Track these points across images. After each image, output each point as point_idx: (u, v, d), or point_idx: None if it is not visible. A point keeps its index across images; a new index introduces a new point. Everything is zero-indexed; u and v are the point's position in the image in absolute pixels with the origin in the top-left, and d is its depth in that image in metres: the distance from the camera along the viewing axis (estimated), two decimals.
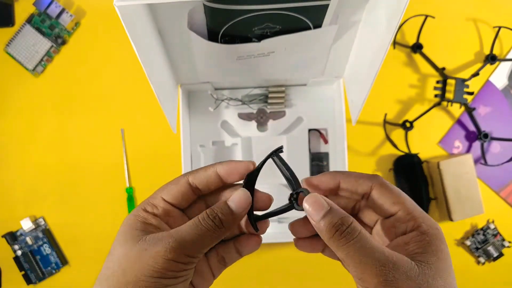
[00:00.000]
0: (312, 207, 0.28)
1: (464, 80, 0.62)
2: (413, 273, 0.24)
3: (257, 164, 0.31)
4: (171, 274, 0.26)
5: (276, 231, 0.62)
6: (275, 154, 0.31)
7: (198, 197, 0.32)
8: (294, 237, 0.33)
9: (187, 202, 0.31)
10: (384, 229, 0.29)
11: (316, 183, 0.31)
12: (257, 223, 0.31)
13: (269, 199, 0.32)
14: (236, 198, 0.29)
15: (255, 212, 0.31)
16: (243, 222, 0.33)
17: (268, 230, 0.60)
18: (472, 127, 0.65)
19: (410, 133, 0.65)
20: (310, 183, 0.31)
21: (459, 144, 0.66)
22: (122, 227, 0.29)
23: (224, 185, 0.32)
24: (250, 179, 0.31)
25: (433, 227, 0.27)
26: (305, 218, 0.31)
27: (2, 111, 0.67)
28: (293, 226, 0.32)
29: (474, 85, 0.64)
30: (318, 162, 0.62)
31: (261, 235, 0.33)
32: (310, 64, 0.52)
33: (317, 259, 0.64)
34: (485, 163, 0.64)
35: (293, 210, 0.31)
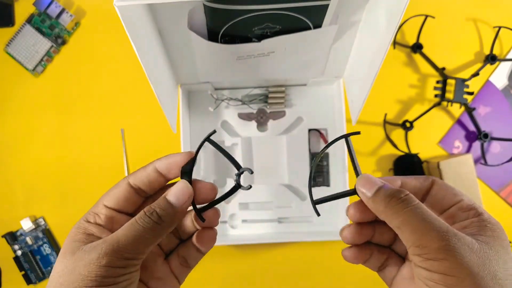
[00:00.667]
0: (364, 186, 0.27)
1: (464, 80, 0.62)
2: (474, 247, 0.23)
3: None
4: (108, 280, 0.25)
5: (276, 231, 0.62)
6: (208, 139, 0.32)
7: (146, 199, 0.31)
8: (342, 251, 0.31)
9: (133, 206, 0.30)
10: (443, 219, 0.27)
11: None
12: (203, 214, 0.30)
13: (212, 189, 0.30)
14: (174, 190, 0.28)
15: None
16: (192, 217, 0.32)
17: (268, 230, 0.60)
18: (472, 127, 0.65)
19: (410, 133, 0.65)
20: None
21: (459, 144, 0.66)
22: (65, 241, 0.28)
23: (169, 183, 0.31)
24: (186, 170, 0.30)
25: (494, 221, 0.26)
26: (357, 225, 0.30)
27: (2, 111, 0.67)
28: (345, 233, 0.30)
29: (474, 85, 0.64)
30: (318, 162, 0.62)
31: (216, 228, 0.32)
32: (310, 64, 0.52)
33: (317, 259, 0.64)
34: (485, 163, 0.64)
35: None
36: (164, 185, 0.31)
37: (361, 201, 0.29)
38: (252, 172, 0.30)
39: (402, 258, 0.30)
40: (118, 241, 0.25)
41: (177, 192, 0.28)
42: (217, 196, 0.31)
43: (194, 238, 0.31)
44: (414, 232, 0.24)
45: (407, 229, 0.24)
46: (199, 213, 0.30)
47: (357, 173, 0.29)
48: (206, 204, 0.31)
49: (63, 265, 0.25)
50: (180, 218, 0.29)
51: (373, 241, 0.31)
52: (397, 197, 0.25)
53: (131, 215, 0.29)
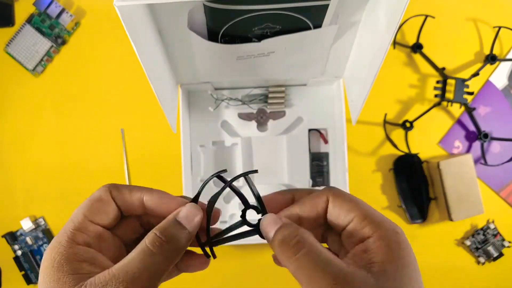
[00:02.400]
0: (266, 228, 0.26)
1: (464, 80, 0.62)
2: (367, 286, 0.21)
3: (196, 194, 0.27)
4: None
5: None
6: (247, 174, 0.29)
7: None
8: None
9: (115, 221, 0.26)
10: (344, 241, 0.26)
11: (269, 199, 0.28)
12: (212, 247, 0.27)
13: (217, 214, 0.28)
14: (186, 212, 0.25)
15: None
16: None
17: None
18: (472, 127, 0.65)
19: (410, 133, 0.65)
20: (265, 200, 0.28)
21: (459, 144, 0.66)
22: (45, 271, 0.22)
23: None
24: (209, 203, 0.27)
25: (392, 230, 0.24)
26: None
27: (2, 111, 0.67)
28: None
29: (474, 85, 0.64)
30: (318, 162, 0.62)
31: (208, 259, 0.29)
32: (310, 64, 0.52)
33: None
34: (485, 163, 0.64)
35: None
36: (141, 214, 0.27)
37: None
38: (254, 171, 0.28)
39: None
40: (134, 278, 0.21)
41: (189, 214, 0.25)
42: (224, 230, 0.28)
43: (182, 259, 0.27)
44: (306, 281, 0.22)
45: (301, 277, 0.23)
46: (211, 249, 0.28)
47: (260, 211, 0.28)
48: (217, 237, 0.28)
49: None
50: (189, 244, 0.25)
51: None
52: (287, 243, 0.24)
53: (109, 230, 0.26)
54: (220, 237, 0.28)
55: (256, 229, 0.27)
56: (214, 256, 0.27)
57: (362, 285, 0.21)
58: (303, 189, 0.28)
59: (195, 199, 0.27)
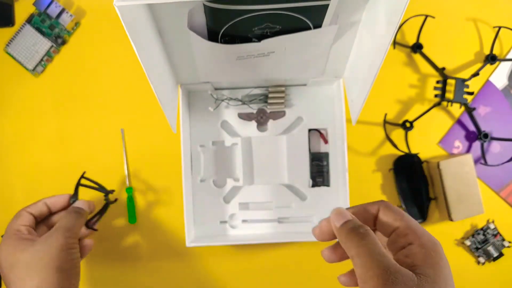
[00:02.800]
0: (336, 216, 0.31)
1: (464, 80, 0.62)
2: (411, 283, 0.25)
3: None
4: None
5: (276, 231, 0.62)
6: (80, 179, 0.55)
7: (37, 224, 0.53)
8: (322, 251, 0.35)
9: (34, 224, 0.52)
10: (388, 246, 0.30)
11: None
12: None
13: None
14: (80, 203, 0.54)
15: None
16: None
17: (268, 230, 0.61)
18: (472, 127, 0.65)
19: (410, 133, 0.65)
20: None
21: (459, 144, 0.66)
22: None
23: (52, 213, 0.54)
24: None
25: (432, 241, 0.28)
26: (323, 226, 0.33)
27: (2, 111, 0.67)
28: (324, 252, 0.34)
29: (474, 85, 0.64)
30: (318, 162, 0.62)
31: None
32: (310, 64, 0.52)
33: (318, 259, 0.64)
34: (485, 163, 0.64)
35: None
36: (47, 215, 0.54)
37: (334, 246, 0.34)
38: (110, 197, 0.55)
39: None
40: (67, 227, 0.48)
41: (83, 203, 0.54)
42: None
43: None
44: (362, 266, 0.27)
45: (357, 262, 0.27)
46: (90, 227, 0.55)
47: (105, 193, 0.57)
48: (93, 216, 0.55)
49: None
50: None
51: None
52: (356, 231, 0.29)
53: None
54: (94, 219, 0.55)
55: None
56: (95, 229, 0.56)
57: (407, 280, 0.25)
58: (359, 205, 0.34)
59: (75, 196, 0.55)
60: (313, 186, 0.62)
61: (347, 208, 0.33)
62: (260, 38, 0.43)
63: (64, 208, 0.55)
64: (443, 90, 0.63)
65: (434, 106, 0.64)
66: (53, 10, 0.65)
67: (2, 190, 0.67)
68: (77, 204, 0.53)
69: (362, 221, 0.31)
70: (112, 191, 0.58)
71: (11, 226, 0.48)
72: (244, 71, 0.52)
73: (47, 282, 0.43)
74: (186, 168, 0.60)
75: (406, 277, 0.26)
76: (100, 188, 0.57)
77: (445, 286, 0.26)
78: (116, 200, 0.58)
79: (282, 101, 0.61)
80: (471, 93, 0.62)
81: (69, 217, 0.50)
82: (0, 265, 0.45)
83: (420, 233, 0.29)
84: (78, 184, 0.55)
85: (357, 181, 0.62)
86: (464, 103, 0.63)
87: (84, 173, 0.55)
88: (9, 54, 0.66)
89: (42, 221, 0.54)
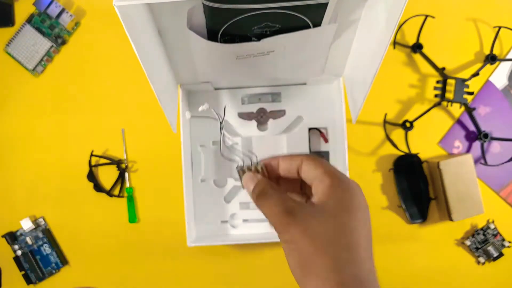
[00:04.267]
0: (246, 184, 0.34)
1: (464, 80, 0.62)
2: (307, 210, 0.29)
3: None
4: None
5: None
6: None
7: None
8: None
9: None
10: (312, 191, 0.32)
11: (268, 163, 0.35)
12: None
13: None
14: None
15: None
16: None
17: (269, 229, 0.61)
18: (472, 127, 0.65)
19: (410, 133, 0.65)
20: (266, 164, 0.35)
21: (459, 144, 0.66)
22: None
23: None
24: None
25: (344, 181, 0.31)
26: None
27: (2, 111, 0.67)
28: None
29: (474, 85, 0.64)
30: None
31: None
32: (310, 63, 0.52)
33: None
34: (485, 163, 0.64)
35: None
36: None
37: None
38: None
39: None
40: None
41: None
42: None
43: None
44: (269, 215, 0.31)
45: (266, 212, 0.31)
46: None
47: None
48: None
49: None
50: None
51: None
52: (258, 192, 0.32)
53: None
54: None
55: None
56: None
57: (303, 210, 0.29)
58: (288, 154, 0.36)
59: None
60: None
61: (274, 157, 0.35)
62: (259, 37, 0.43)
63: None
64: (443, 90, 0.63)
65: (434, 106, 0.64)
66: (53, 10, 0.65)
67: (2, 190, 0.67)
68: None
69: (287, 172, 0.34)
70: (121, 160, 0.64)
71: None
72: (243, 71, 0.52)
73: None
74: (187, 168, 0.60)
75: (303, 208, 0.29)
76: (111, 161, 0.63)
77: (348, 221, 0.28)
78: (127, 166, 0.64)
79: (282, 100, 0.61)
80: (471, 93, 0.62)
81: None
82: None
83: (336, 176, 0.31)
84: (91, 166, 0.62)
85: (357, 181, 0.61)
86: (464, 103, 0.63)
87: (92, 152, 0.61)
88: (9, 54, 0.66)
89: None
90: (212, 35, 0.42)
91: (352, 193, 0.30)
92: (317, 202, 0.30)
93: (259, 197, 0.32)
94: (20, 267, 0.65)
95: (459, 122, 0.66)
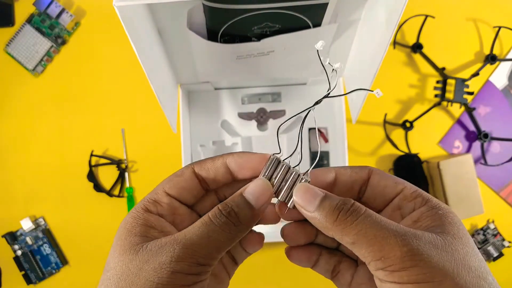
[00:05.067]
0: (303, 198, 0.24)
1: (464, 80, 0.62)
2: (439, 243, 0.21)
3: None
4: None
5: (277, 230, 0.62)
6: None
7: (208, 191, 0.27)
8: (286, 246, 0.29)
9: (195, 197, 0.26)
10: (389, 213, 0.25)
11: (314, 176, 0.26)
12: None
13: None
14: (252, 188, 0.24)
15: None
16: None
17: (269, 229, 0.61)
18: (472, 127, 0.65)
19: (410, 133, 0.65)
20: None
21: (459, 144, 0.66)
22: (118, 232, 0.24)
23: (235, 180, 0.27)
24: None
25: (442, 203, 0.24)
26: (298, 222, 0.27)
27: (2, 111, 0.67)
28: (286, 231, 0.28)
29: (474, 85, 0.64)
30: (319, 161, 0.62)
31: (263, 234, 0.30)
32: (310, 63, 0.52)
33: None
34: (485, 163, 0.64)
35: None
36: (229, 182, 0.27)
37: (296, 223, 0.27)
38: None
39: (355, 261, 0.28)
40: (192, 243, 0.22)
41: (256, 190, 0.24)
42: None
43: (243, 239, 0.28)
44: (372, 245, 0.21)
45: (362, 243, 0.21)
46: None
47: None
48: None
49: (124, 265, 0.22)
50: (256, 221, 0.25)
51: (319, 242, 0.28)
52: (344, 209, 0.22)
53: (190, 207, 0.27)
54: None
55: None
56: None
57: (431, 240, 0.21)
58: (345, 166, 0.28)
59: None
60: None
61: (325, 168, 0.26)
62: (259, 37, 0.43)
63: None
64: (443, 90, 0.63)
65: (434, 106, 0.64)
66: (53, 10, 0.65)
67: (2, 190, 0.67)
68: (249, 192, 0.25)
69: (347, 189, 0.26)
70: (121, 160, 0.63)
71: (141, 201, 0.28)
72: (243, 71, 0.52)
73: None
74: None
75: (429, 237, 0.21)
76: (111, 161, 0.62)
77: (468, 241, 0.22)
78: (127, 166, 0.63)
79: (282, 100, 0.61)
80: (471, 93, 0.62)
81: (204, 226, 0.24)
82: None
83: (428, 196, 0.24)
84: (91, 166, 0.61)
85: None
86: (464, 103, 0.63)
87: (92, 152, 0.59)
88: (9, 54, 0.66)
89: None
90: (212, 35, 0.42)
91: (456, 216, 0.23)
92: (423, 229, 0.22)
93: (342, 215, 0.22)
94: (20, 267, 0.65)
95: (459, 122, 0.66)
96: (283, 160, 0.26)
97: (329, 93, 0.26)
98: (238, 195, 0.25)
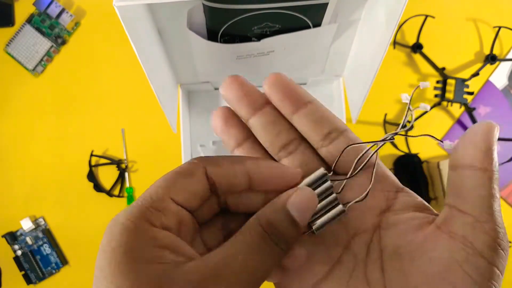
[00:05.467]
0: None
1: (464, 80, 0.62)
2: None
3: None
4: None
5: None
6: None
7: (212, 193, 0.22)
8: None
9: (200, 203, 0.21)
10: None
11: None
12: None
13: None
14: (300, 201, 0.19)
15: None
16: None
17: None
18: None
19: (410, 133, 0.65)
20: None
21: None
22: (108, 257, 0.17)
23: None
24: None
25: None
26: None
27: (2, 111, 0.67)
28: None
29: (474, 85, 0.64)
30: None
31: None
32: (310, 63, 0.52)
33: None
34: None
35: None
36: (242, 191, 0.21)
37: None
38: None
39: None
40: (236, 274, 0.17)
41: (303, 204, 0.19)
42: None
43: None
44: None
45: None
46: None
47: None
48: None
49: None
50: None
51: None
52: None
53: (191, 213, 0.21)
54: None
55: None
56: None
57: None
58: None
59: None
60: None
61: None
62: (259, 37, 0.43)
63: None
64: (443, 90, 0.63)
65: (434, 106, 0.64)
66: (53, 10, 0.65)
67: (2, 190, 0.67)
68: (294, 202, 0.20)
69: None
70: (121, 160, 0.63)
71: (138, 209, 0.21)
72: (243, 71, 0.52)
73: None
74: None
75: None
76: (111, 161, 0.62)
77: None
78: (127, 166, 0.63)
79: None
80: (471, 93, 0.62)
81: (246, 255, 0.18)
82: None
83: None
84: (91, 166, 0.60)
85: None
86: (464, 103, 0.63)
87: (92, 152, 0.58)
88: (9, 54, 0.66)
89: None
90: (212, 35, 0.42)
91: None
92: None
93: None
94: (20, 267, 0.65)
95: (459, 122, 0.66)
96: (331, 181, 0.23)
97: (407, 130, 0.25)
98: (280, 208, 0.19)
